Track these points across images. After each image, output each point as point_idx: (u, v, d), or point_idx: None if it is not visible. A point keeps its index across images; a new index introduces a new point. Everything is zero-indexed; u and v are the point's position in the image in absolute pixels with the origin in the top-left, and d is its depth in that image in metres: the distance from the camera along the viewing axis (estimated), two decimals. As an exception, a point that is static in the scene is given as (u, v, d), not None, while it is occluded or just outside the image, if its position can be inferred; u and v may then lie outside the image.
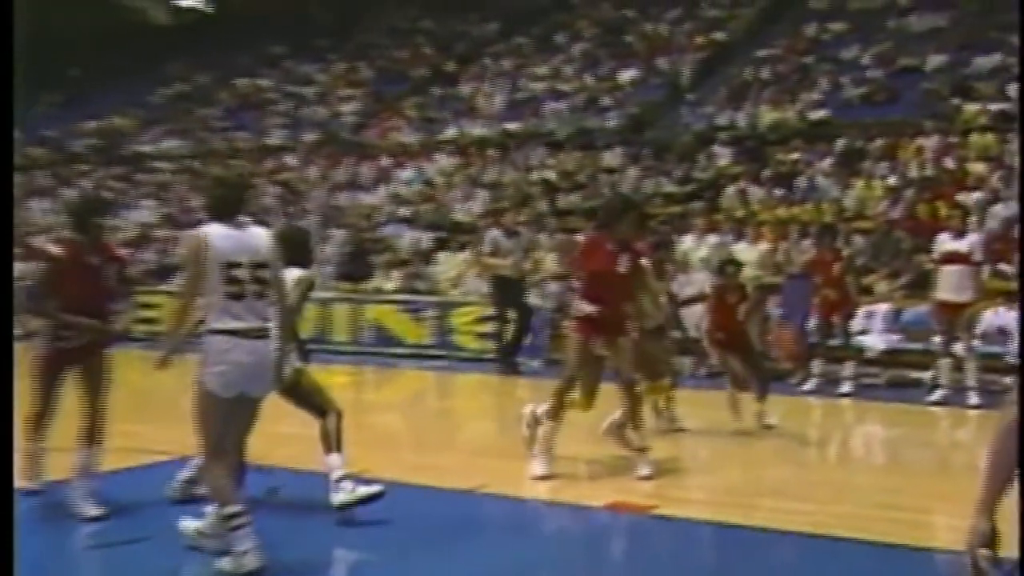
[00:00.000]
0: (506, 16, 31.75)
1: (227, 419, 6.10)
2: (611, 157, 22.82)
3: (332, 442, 7.35)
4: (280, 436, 7.89)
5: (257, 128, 30.12)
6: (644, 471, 8.54)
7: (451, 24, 32.41)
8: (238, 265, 5.99)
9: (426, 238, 20.93)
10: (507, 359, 16.11)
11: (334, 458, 7.30)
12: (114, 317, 7.59)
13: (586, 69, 27.31)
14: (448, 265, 19.62)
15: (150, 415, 10.74)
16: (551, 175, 22.65)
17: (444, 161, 24.82)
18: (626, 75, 26.28)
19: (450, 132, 26.50)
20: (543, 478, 8.44)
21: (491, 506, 7.92)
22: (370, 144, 27.46)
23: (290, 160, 27.58)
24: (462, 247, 19.97)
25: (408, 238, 21.11)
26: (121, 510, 7.22)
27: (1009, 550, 3.06)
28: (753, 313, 11.64)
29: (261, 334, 6.08)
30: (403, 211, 22.69)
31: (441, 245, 20.61)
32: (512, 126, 25.74)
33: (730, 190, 19.77)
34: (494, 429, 12.27)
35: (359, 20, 33.74)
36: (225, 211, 6.11)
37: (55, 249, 7.39)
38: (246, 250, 6.05)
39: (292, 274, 6.97)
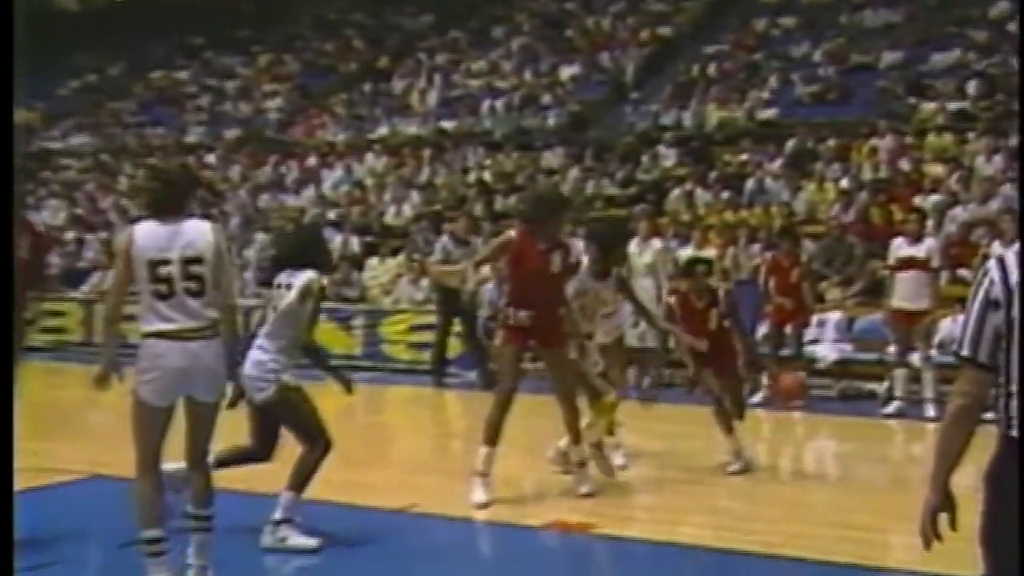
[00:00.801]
0: (441, 9, 31.74)
1: (161, 431, 6.01)
2: (551, 158, 22.86)
3: (301, 479, 7.12)
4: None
5: (174, 124, 29.90)
6: (584, 489, 8.53)
7: (383, 16, 32.35)
8: (166, 262, 5.90)
9: (355, 243, 20.85)
10: (441, 372, 16.08)
11: (288, 496, 7.10)
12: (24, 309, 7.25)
13: (525, 65, 27.33)
14: (379, 271, 19.56)
15: (56, 432, 10.58)
16: (488, 176, 22.65)
17: (375, 161, 24.74)
18: (567, 72, 26.34)
19: (381, 131, 26.43)
20: (484, 506, 8.32)
21: (423, 526, 7.89)
22: (296, 143, 27.34)
23: (210, 159, 27.36)
24: (394, 252, 19.92)
25: (336, 243, 21.04)
26: (28, 534, 7.10)
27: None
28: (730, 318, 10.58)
29: (196, 335, 5.94)
30: (331, 214, 22.59)
31: (371, 250, 20.54)
32: (447, 125, 25.74)
33: (675, 193, 19.85)
34: (427, 445, 12.23)
35: (285, 10, 33.58)
36: (162, 207, 6.05)
37: None
38: (177, 246, 5.94)
39: (302, 277, 6.99)
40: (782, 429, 13.12)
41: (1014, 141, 18.84)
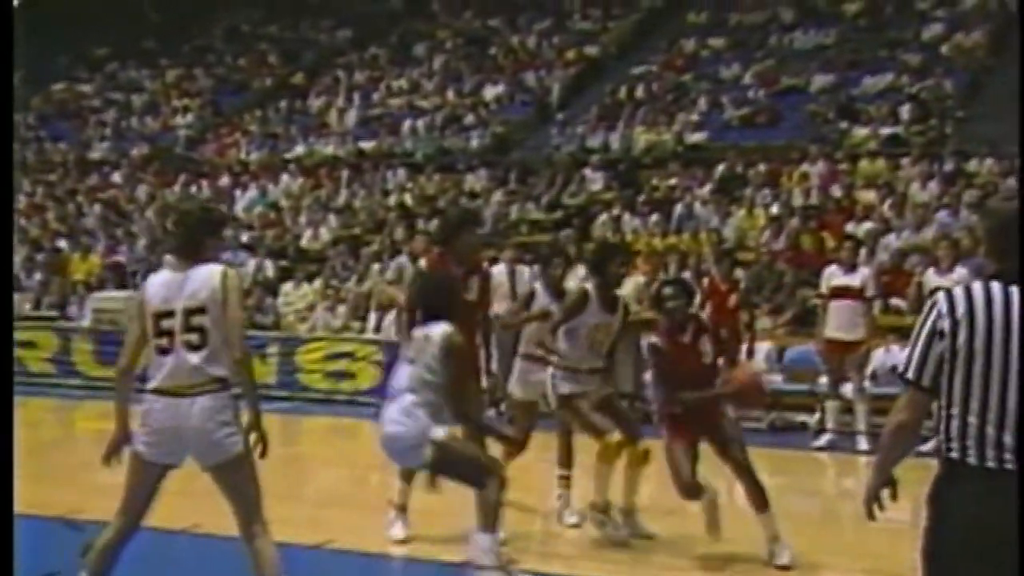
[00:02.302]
0: (360, 24, 31.80)
1: (146, 486, 5.87)
2: (474, 180, 22.94)
3: (492, 518, 7.09)
4: (97, 486, 7.70)
5: (76, 139, 29.65)
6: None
7: (299, 31, 32.35)
8: (169, 314, 5.73)
9: (270, 267, 20.75)
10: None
11: (485, 539, 7.11)
12: None
13: (447, 84, 27.47)
14: (294, 297, 19.47)
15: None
16: (409, 199, 22.66)
17: (290, 182, 24.67)
18: (491, 92, 26.50)
19: (297, 150, 26.43)
20: (403, 542, 8.29)
21: (339, 563, 7.86)
22: (207, 161, 27.24)
23: (115, 177, 27.15)
24: (310, 278, 19.84)
25: (250, 266, 20.91)
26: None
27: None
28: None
29: (188, 391, 5.70)
30: (244, 237, 22.47)
31: (286, 275, 20.45)
32: (366, 145, 25.79)
33: (602, 217, 19.97)
34: (344, 477, 12.18)
35: (195, 21, 33.43)
36: (179, 251, 5.89)
37: None
38: (182, 295, 5.74)
39: (435, 330, 6.87)
40: (711, 461, 13.17)
41: (948, 166, 19.21)
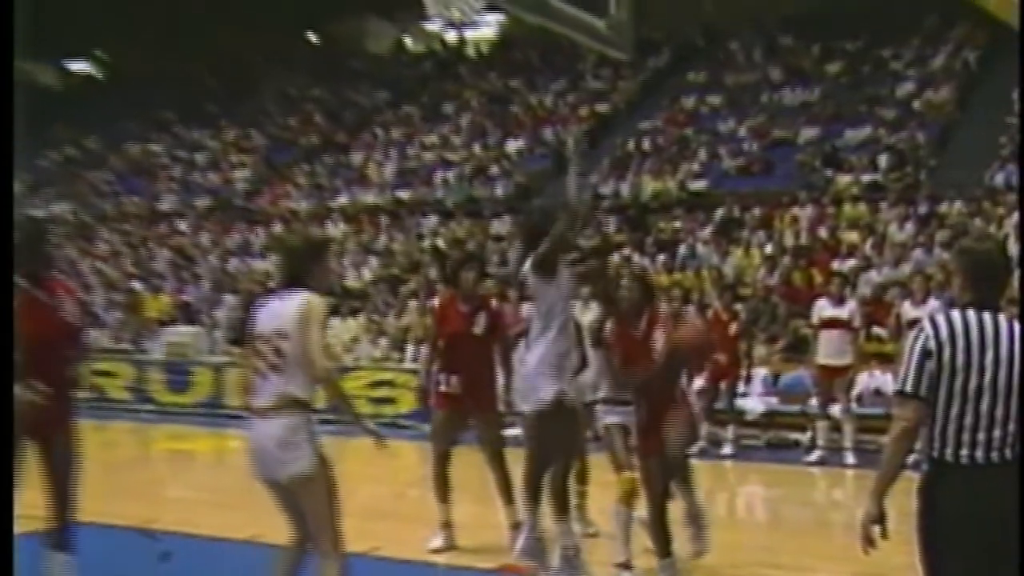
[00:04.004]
0: (395, 86, 31.91)
1: (280, 505, 5.69)
2: (499, 225, 22.98)
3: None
4: (168, 500, 7.74)
5: (148, 193, 29.79)
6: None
7: (341, 93, 32.47)
8: (263, 338, 5.57)
9: (318, 303, 20.77)
10: None
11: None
12: (74, 370, 6.36)
13: (474, 139, 27.52)
14: (339, 330, 19.53)
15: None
16: (441, 242, 22.72)
17: (335, 228, 24.76)
18: (513, 145, 26.55)
19: (341, 200, 26.49)
20: (440, 550, 8.27)
21: (383, 569, 7.87)
22: (262, 211, 27.31)
23: (182, 226, 27.29)
24: (353, 313, 19.90)
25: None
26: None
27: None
28: None
29: (263, 412, 5.54)
30: (295, 277, 22.49)
31: (333, 311, 20.50)
32: (402, 194, 25.84)
33: (614, 257, 19.97)
34: (386, 493, 12.19)
35: (250, 87, 33.63)
36: (283, 279, 5.75)
37: None
38: (272, 320, 5.58)
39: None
40: (715, 476, 13.18)
41: (922, 209, 19.20)
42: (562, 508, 7.25)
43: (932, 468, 4.33)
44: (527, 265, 7.13)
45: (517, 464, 8.49)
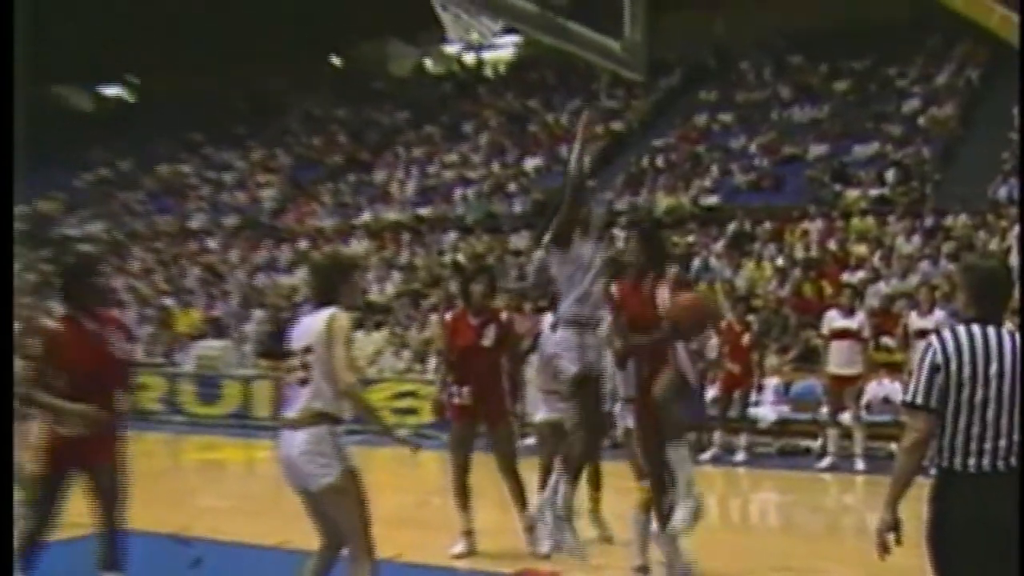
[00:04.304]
0: (416, 107, 31.98)
1: (310, 515, 5.74)
2: (518, 240, 22.99)
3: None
4: (200, 508, 7.76)
5: (179, 212, 29.92)
6: (544, 549, 7.94)
7: (364, 114, 32.57)
8: (292, 353, 5.65)
9: (342, 317, 20.82)
10: None
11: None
12: (123, 396, 6.36)
13: (493, 157, 27.55)
14: (364, 343, 19.57)
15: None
16: (461, 258, 22.75)
17: (359, 245, 24.82)
18: (530, 163, 26.56)
19: (364, 217, 26.54)
20: (462, 556, 8.29)
21: (407, 574, 7.88)
22: (288, 228, 27.39)
23: (211, 243, 27.40)
24: (377, 326, 19.94)
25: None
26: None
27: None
28: None
29: (291, 424, 5.59)
30: (320, 292, 22.55)
31: (357, 324, 20.56)
32: (423, 211, 25.88)
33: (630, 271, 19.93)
34: (409, 501, 12.20)
35: (276, 109, 33.76)
36: (313, 296, 5.82)
37: (49, 324, 6.15)
38: (301, 336, 5.65)
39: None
40: (729, 482, 13.17)
41: (928, 222, 19.16)
42: (573, 471, 7.13)
43: (942, 476, 4.40)
44: (545, 239, 7.18)
45: (531, 472, 8.53)
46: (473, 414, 8.30)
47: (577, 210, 7.21)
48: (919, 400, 4.37)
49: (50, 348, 5.95)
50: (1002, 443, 4.31)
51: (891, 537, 4.39)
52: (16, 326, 6.43)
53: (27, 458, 6.32)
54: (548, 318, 8.62)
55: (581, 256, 7.05)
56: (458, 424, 8.43)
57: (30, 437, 6.37)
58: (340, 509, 5.60)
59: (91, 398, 5.88)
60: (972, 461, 4.31)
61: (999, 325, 4.45)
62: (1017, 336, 4.41)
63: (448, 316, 8.34)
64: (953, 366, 4.32)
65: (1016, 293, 11.22)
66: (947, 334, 4.42)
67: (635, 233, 7.57)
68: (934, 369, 4.34)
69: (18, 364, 6.00)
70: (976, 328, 4.40)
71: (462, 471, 8.41)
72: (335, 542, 5.75)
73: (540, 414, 8.81)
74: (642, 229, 7.91)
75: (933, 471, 4.47)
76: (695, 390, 7.19)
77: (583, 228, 7.16)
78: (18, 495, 6.33)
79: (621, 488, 8.09)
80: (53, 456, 5.95)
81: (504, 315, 8.61)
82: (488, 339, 8.24)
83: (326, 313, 5.60)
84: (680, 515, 6.79)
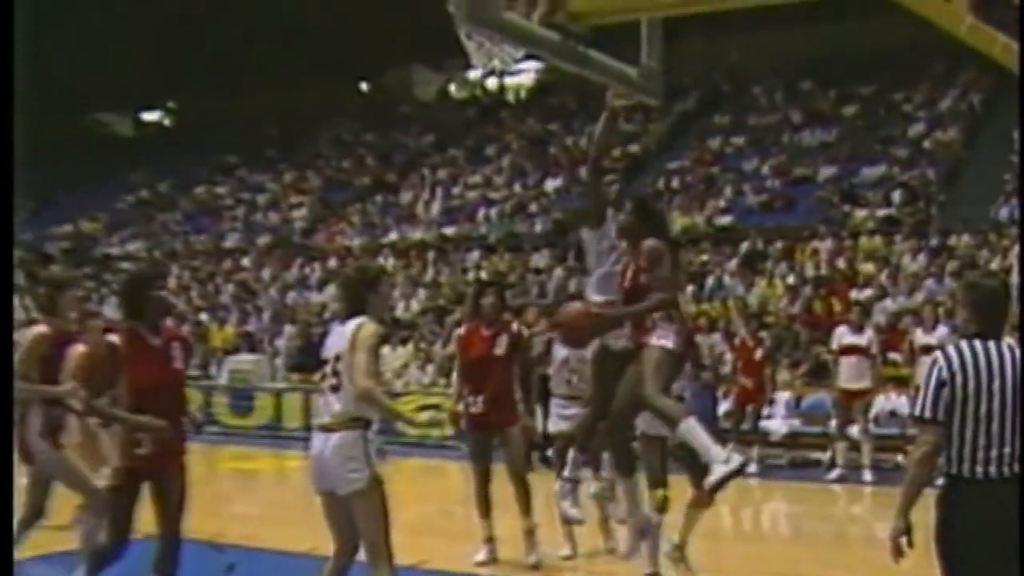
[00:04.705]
0: (441, 130, 32.06)
1: (328, 518, 5.76)
2: (538, 259, 23.00)
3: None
4: (234, 516, 7.78)
5: (214, 232, 30.04)
6: (531, 559, 8.21)
7: (391, 137, 32.66)
8: (326, 362, 5.73)
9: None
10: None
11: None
12: (184, 413, 6.43)
13: (514, 178, 27.58)
14: (390, 358, 19.60)
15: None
16: (484, 275, 22.75)
17: (386, 263, 24.85)
18: (551, 184, 26.56)
19: (391, 236, 26.58)
20: (484, 563, 8.29)
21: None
22: (318, 247, 27.47)
23: (245, 262, 27.49)
24: (403, 342, 19.97)
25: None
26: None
27: None
28: None
29: (323, 428, 5.65)
30: (349, 308, 22.59)
31: (384, 340, 20.58)
32: (448, 230, 25.90)
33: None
34: (434, 510, 12.21)
35: (306, 133, 33.90)
36: (345, 308, 5.90)
37: (111, 338, 6.12)
38: (332, 345, 5.75)
39: None
40: (741, 493, 13.12)
41: (933, 242, 19.10)
42: (626, 466, 6.91)
43: (950, 483, 4.50)
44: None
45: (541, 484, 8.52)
46: (488, 423, 8.31)
47: (602, 185, 7.04)
48: (927, 413, 4.47)
49: (116, 362, 5.94)
50: (1006, 451, 4.41)
51: (904, 541, 4.48)
52: (82, 348, 6.44)
53: (98, 471, 6.40)
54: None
55: (610, 232, 6.83)
56: (474, 435, 8.45)
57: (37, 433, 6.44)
58: (366, 514, 5.60)
59: (157, 410, 5.91)
60: (980, 469, 4.40)
61: (1000, 339, 4.54)
62: (1017, 350, 4.51)
63: (461, 329, 8.31)
64: (959, 380, 4.41)
65: (1014, 309, 11.20)
66: (952, 350, 4.51)
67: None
68: (941, 383, 4.43)
69: (82, 378, 6.07)
70: (979, 343, 4.49)
71: (484, 480, 8.41)
72: (350, 547, 5.76)
73: (552, 424, 8.75)
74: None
75: (939, 480, 4.56)
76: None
77: (616, 205, 6.96)
78: (88, 504, 6.40)
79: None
80: (126, 468, 5.98)
81: (515, 326, 8.61)
82: (500, 348, 8.25)
83: (354, 323, 5.67)
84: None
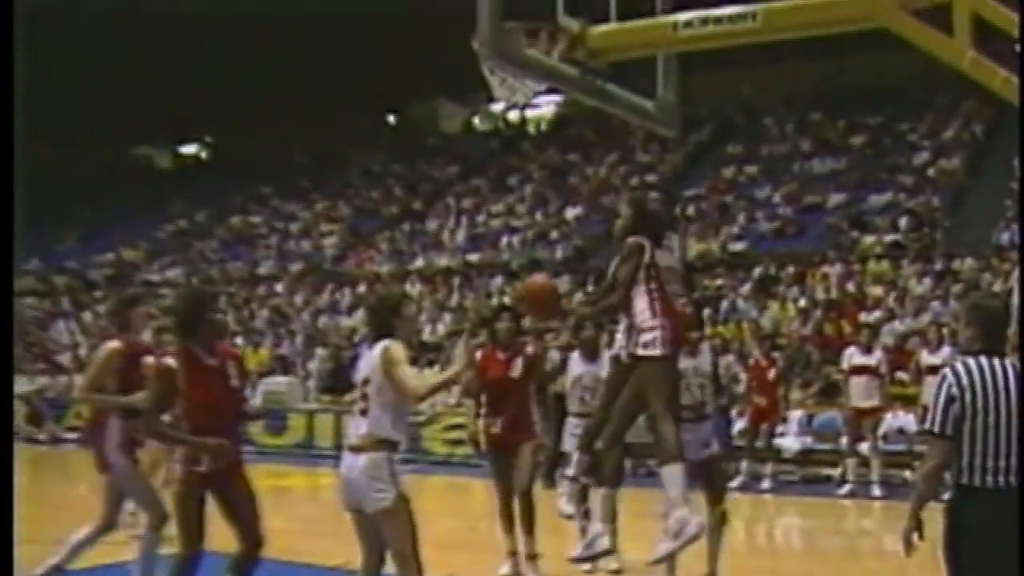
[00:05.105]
0: (465, 161, 32.17)
1: (359, 534, 5.77)
2: (559, 284, 22.98)
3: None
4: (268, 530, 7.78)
5: (249, 259, 30.17)
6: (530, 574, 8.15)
7: (418, 168, 32.79)
8: (356, 385, 5.75)
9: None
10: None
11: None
12: (241, 430, 6.47)
13: (536, 207, 27.63)
14: (417, 380, 19.59)
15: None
16: (507, 300, 22.76)
17: (413, 288, 24.92)
18: (571, 212, 26.61)
19: (418, 263, 26.65)
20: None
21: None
22: (348, 273, 27.55)
23: (278, 288, 27.60)
24: (430, 364, 19.99)
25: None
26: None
27: None
28: None
29: (353, 448, 5.64)
30: (378, 332, 22.63)
31: (411, 363, 20.59)
32: (472, 257, 25.95)
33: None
34: (460, 525, 12.21)
35: (337, 164, 34.08)
36: (372, 332, 5.91)
37: (167, 361, 5.97)
38: (361, 369, 5.76)
39: None
40: (755, 508, 13.09)
41: (938, 266, 19.06)
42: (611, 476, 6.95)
43: (958, 493, 4.60)
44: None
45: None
46: (506, 443, 8.26)
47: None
48: (936, 429, 4.55)
49: (174, 383, 5.88)
50: (1012, 461, 4.50)
51: (915, 536, 4.58)
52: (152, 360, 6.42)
53: (165, 494, 6.42)
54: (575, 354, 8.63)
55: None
56: (494, 454, 8.40)
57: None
58: (391, 531, 5.62)
59: (217, 428, 5.92)
60: (989, 479, 4.49)
61: (1004, 356, 4.64)
62: (1018, 366, 4.59)
63: (478, 353, 8.31)
64: (967, 396, 4.49)
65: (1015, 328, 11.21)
66: (960, 367, 4.59)
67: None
68: (951, 399, 4.51)
69: (145, 401, 6.04)
70: (984, 360, 4.58)
71: (507, 497, 8.36)
72: (377, 561, 5.79)
73: (566, 443, 8.56)
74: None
75: (946, 495, 4.65)
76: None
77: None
78: (152, 524, 6.44)
79: (642, 512, 8.08)
80: (190, 489, 5.98)
81: (530, 349, 8.57)
82: (516, 370, 8.21)
83: (380, 346, 5.67)
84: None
